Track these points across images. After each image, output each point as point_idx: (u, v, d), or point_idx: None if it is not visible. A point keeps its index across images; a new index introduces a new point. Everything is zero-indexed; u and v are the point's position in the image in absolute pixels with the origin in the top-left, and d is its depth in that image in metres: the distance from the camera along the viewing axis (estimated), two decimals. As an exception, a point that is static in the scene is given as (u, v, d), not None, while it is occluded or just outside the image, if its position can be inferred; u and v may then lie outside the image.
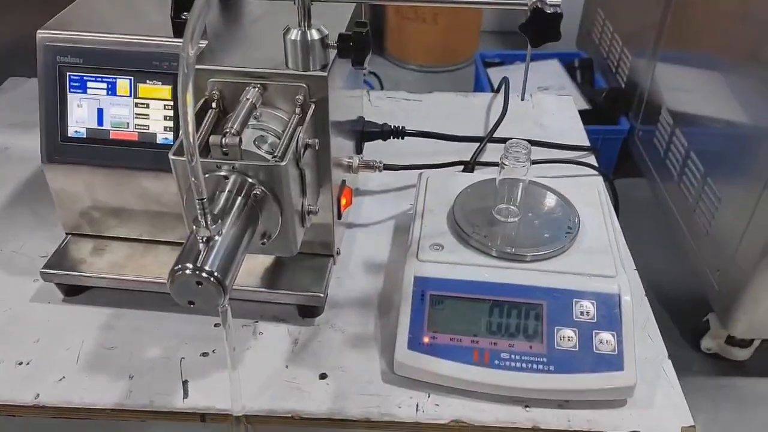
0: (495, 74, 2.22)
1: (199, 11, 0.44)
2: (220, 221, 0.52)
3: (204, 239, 0.51)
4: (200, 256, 0.50)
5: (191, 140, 0.46)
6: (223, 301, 0.51)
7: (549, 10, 0.51)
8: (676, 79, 1.78)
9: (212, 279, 0.49)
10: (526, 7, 0.54)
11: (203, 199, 0.49)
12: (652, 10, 1.88)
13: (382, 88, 2.50)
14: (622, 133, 2.03)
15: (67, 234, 0.75)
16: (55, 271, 0.72)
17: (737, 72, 1.45)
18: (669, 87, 1.81)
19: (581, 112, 1.07)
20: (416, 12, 2.61)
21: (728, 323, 1.45)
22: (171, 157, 0.55)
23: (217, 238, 0.51)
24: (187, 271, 0.49)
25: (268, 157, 0.57)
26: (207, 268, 0.49)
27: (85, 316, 0.71)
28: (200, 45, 0.65)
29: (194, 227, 0.51)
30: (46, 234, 0.79)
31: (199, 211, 0.49)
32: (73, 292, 0.73)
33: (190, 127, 0.45)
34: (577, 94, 2.13)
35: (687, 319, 1.63)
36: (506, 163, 0.68)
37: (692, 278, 1.57)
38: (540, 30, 0.52)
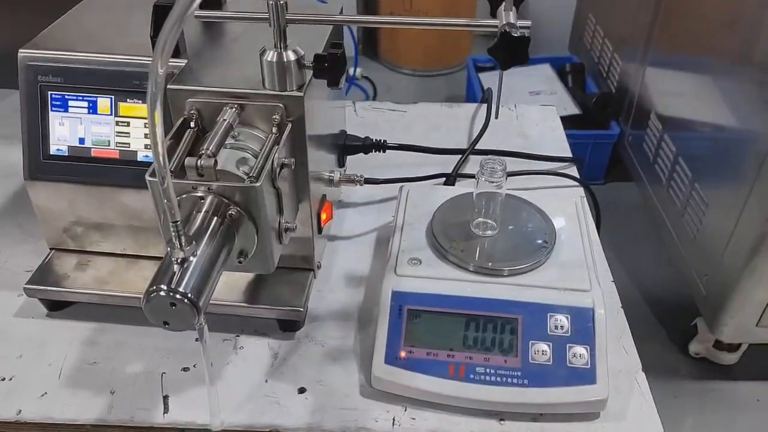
0: (487, 79, 2.24)
1: (170, 28, 0.45)
2: (194, 242, 0.53)
3: (178, 260, 0.52)
4: (174, 278, 0.51)
5: (161, 161, 0.46)
6: (197, 321, 0.52)
7: (516, 34, 0.52)
8: (665, 84, 1.79)
9: (186, 300, 0.50)
10: (496, 29, 0.55)
11: (177, 221, 0.50)
12: (641, 15, 1.89)
13: (375, 93, 2.52)
14: (613, 138, 2.04)
15: (50, 249, 0.76)
16: (39, 287, 0.73)
17: (725, 76, 1.46)
18: (658, 91, 1.83)
19: (572, 117, 1.08)
20: (408, 13, 2.62)
21: (715, 328, 1.46)
22: (148, 178, 0.56)
23: (192, 258, 0.52)
24: (161, 293, 0.50)
25: (244, 176, 0.58)
26: (181, 289, 0.50)
27: (69, 331, 0.72)
28: (179, 64, 0.67)
29: (169, 249, 0.52)
30: (31, 248, 0.80)
31: (173, 233, 0.50)
32: (56, 307, 0.74)
33: (160, 148, 0.46)
34: (568, 99, 2.15)
35: (675, 323, 1.64)
36: (482, 178, 0.69)
37: (680, 282, 1.58)
38: (509, 53, 0.53)
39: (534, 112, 1.09)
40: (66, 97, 0.69)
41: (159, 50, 0.44)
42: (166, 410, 0.64)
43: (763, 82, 1.31)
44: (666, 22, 1.78)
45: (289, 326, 0.72)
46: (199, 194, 0.56)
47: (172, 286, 0.50)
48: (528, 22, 0.56)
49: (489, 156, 0.70)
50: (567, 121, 1.06)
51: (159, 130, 0.46)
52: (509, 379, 0.63)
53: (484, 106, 1.07)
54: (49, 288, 0.73)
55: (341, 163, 0.86)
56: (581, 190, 0.92)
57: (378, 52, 2.86)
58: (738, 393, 1.53)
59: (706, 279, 1.48)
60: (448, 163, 0.94)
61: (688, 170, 1.58)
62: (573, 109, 2.09)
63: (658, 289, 1.74)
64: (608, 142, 2.05)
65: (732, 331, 1.45)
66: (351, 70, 2.50)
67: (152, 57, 0.44)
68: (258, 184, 0.56)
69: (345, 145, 0.85)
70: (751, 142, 1.32)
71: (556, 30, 2.48)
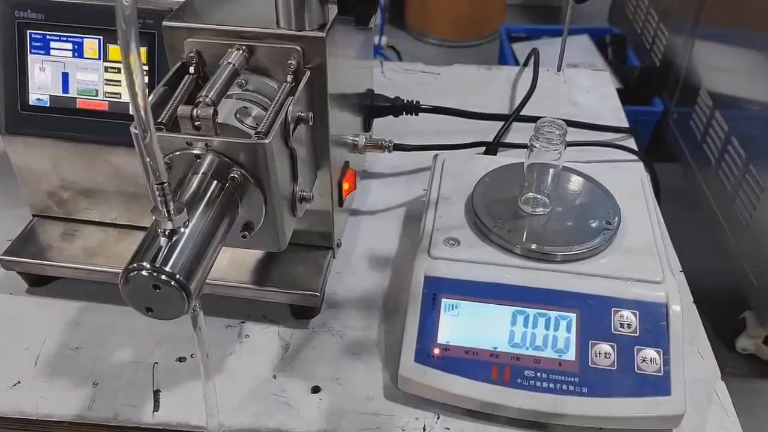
0: (521, 50, 2.10)
1: None
2: (187, 210, 0.42)
3: (166, 232, 0.42)
4: (160, 254, 0.41)
5: (141, 112, 0.36)
6: (187, 308, 0.42)
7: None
8: (717, 59, 1.66)
9: (173, 282, 0.40)
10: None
11: (162, 183, 0.39)
12: (692, -17, 1.75)
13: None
14: (656, 115, 1.91)
15: (33, 216, 0.67)
16: (18, 259, 0.63)
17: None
18: (709, 66, 1.69)
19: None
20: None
21: (767, 322, 1.35)
22: (132, 130, 0.45)
23: (182, 230, 0.42)
24: (143, 272, 0.40)
25: (251, 132, 0.48)
26: (167, 268, 0.40)
27: (50, 310, 0.63)
28: (179, -1, 0.56)
29: (155, 218, 0.41)
30: (14, 213, 0.70)
31: (158, 198, 0.40)
32: (38, 282, 0.65)
33: (138, 89, 0.36)
34: (607, 72, 2.01)
35: (722, 316, 1.52)
36: (536, 145, 0.58)
37: (729, 273, 1.47)
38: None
39: (584, 77, 0.97)
40: (47, 37, 0.58)
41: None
42: (156, 408, 0.55)
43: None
44: (719, -9, 1.64)
45: (302, 313, 0.62)
46: (195, 152, 0.46)
47: (157, 265, 0.40)
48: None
49: (546, 118, 0.58)
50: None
51: (138, 76, 0.35)
52: (564, 386, 0.53)
53: (528, 70, 0.96)
54: (29, 261, 0.63)
55: (367, 127, 0.75)
56: (641, 166, 0.80)
57: (405, 19, 2.73)
58: (789, 394, 1.41)
59: (758, 270, 1.36)
60: (485, 132, 0.82)
61: (741, 151, 1.45)
62: (613, 83, 1.95)
63: (704, 279, 1.60)
64: (651, 120, 1.92)
65: (785, 327, 1.33)
66: (376, 39, 2.38)
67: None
68: (266, 141, 0.45)
69: (372, 106, 0.74)
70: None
71: (595, 0, 2.33)
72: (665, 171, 1.86)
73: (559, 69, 0.52)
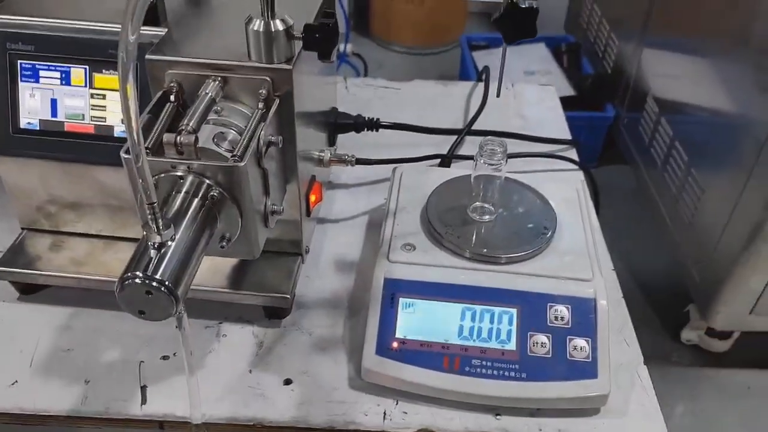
0: (481, 58, 2.19)
1: None
2: (173, 225, 0.49)
3: (155, 245, 0.48)
4: (151, 264, 0.47)
5: (135, 138, 0.42)
6: (175, 311, 0.48)
7: (524, 5, 0.48)
8: (663, 66, 1.76)
9: (163, 288, 0.47)
10: (500, 0, 0.51)
11: (153, 203, 0.46)
12: (640, -5, 1.85)
13: (366, 70, 2.46)
14: (608, 120, 2.01)
15: (23, 229, 0.72)
16: (9, 269, 0.68)
17: (723, 59, 1.43)
18: (655, 74, 1.79)
19: (566, 98, 1.04)
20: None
21: (708, 315, 1.44)
22: (122, 155, 0.52)
23: (170, 243, 0.49)
24: (137, 280, 0.46)
25: (228, 155, 0.54)
26: (158, 276, 0.47)
27: (42, 316, 0.68)
28: (159, 33, 0.62)
29: (145, 232, 0.48)
30: (4, 226, 0.75)
31: (149, 216, 0.47)
32: (29, 290, 0.70)
33: (134, 123, 0.42)
34: (563, 79, 2.11)
35: (668, 309, 1.62)
36: (481, 161, 0.66)
37: (674, 268, 1.56)
38: (515, 25, 0.49)
39: (532, 91, 1.05)
40: (37, 66, 0.64)
41: (129, 13, 0.39)
42: (144, 401, 0.61)
43: (761, 66, 1.28)
44: (665, 2, 1.74)
45: (275, 313, 0.69)
46: (179, 173, 0.52)
47: (149, 273, 0.47)
48: (535, -7, 0.52)
49: (489, 137, 0.66)
50: (561, 102, 1.02)
51: (132, 103, 0.42)
52: (506, 373, 0.60)
53: (481, 84, 1.03)
54: (20, 270, 0.68)
55: (332, 142, 0.82)
56: (581, 174, 0.89)
57: (369, 28, 2.80)
58: (729, 381, 1.52)
59: (699, 266, 1.45)
60: (443, 144, 0.90)
61: (684, 154, 1.55)
62: (568, 90, 2.05)
63: (651, 274, 1.72)
64: (603, 125, 2.02)
65: (725, 319, 1.43)
66: (341, 47, 2.44)
67: (122, 22, 0.39)
68: (242, 164, 0.52)
69: (336, 123, 0.81)
70: (749, 127, 1.29)
71: (552, 8, 2.42)
72: (617, 173, 1.98)
73: (498, 95, 0.59)
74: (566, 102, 1.04)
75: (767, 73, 1.26)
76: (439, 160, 0.86)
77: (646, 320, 1.62)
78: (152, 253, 0.48)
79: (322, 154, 0.75)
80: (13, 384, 0.62)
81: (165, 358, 0.65)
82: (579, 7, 2.36)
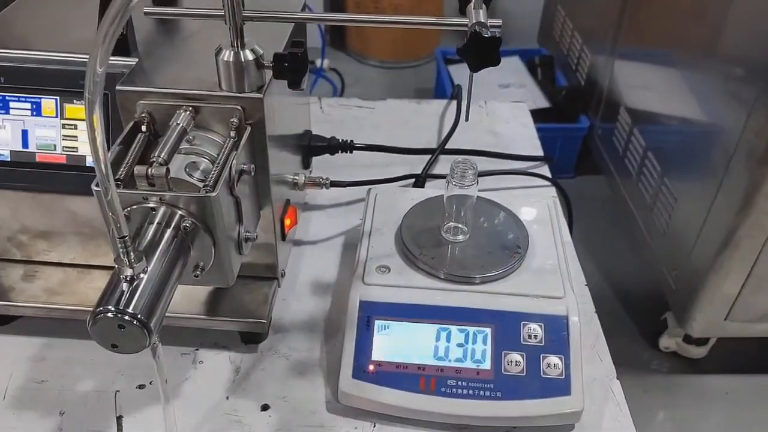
0: (456, 71, 2.21)
1: (112, 19, 0.41)
2: (145, 257, 0.49)
3: (127, 278, 0.48)
4: (123, 297, 0.47)
5: (103, 171, 0.43)
6: (148, 343, 0.48)
7: (487, 35, 0.49)
8: (634, 77, 1.79)
9: (135, 322, 0.47)
10: (465, 28, 0.52)
11: (124, 237, 0.46)
12: (610, 7, 1.88)
13: (343, 85, 2.48)
14: (582, 131, 2.04)
15: (-5, 259, 0.72)
16: (-18, 301, 0.68)
17: (694, 69, 1.45)
18: (627, 85, 1.82)
19: (541, 110, 1.06)
20: (376, 7, 2.58)
21: (685, 322, 1.46)
22: (94, 188, 0.52)
23: (142, 275, 0.49)
24: (109, 314, 0.47)
25: (200, 185, 0.54)
26: (130, 310, 0.47)
27: (15, 348, 0.68)
28: (130, 63, 0.62)
29: (116, 266, 0.48)
30: (-25, 257, 0.75)
31: (120, 249, 0.47)
32: (1, 321, 0.70)
33: (101, 155, 0.42)
34: (537, 92, 2.14)
35: (646, 317, 1.64)
36: (453, 182, 0.67)
37: (650, 277, 1.58)
38: (478, 55, 0.50)
39: (504, 109, 1.07)
40: (7, 98, 0.64)
41: (99, 45, 0.39)
42: (119, 431, 0.61)
43: (729, 75, 1.30)
44: (634, 14, 1.77)
45: (251, 338, 0.69)
46: (151, 205, 0.52)
47: (120, 307, 0.47)
48: (499, 21, 0.53)
49: (459, 158, 0.67)
50: (536, 115, 1.04)
51: (99, 135, 0.42)
52: (481, 392, 0.61)
53: (454, 102, 1.04)
54: (-8, 302, 0.68)
55: (306, 165, 0.83)
56: (553, 190, 0.90)
57: (346, 43, 2.82)
58: (707, 386, 1.54)
59: (675, 273, 1.48)
60: (417, 163, 0.91)
61: (657, 164, 1.57)
62: (542, 103, 2.08)
63: (628, 283, 1.74)
64: (578, 136, 2.05)
65: (701, 326, 1.45)
66: (318, 62, 2.45)
67: (90, 53, 0.39)
68: (214, 194, 0.52)
69: (310, 146, 0.81)
70: (719, 137, 1.32)
71: (525, 22, 2.46)
72: (593, 183, 2.01)
73: (466, 119, 0.61)
74: (541, 114, 1.06)
75: (735, 82, 1.29)
76: (413, 180, 0.87)
77: (624, 329, 1.64)
78: (124, 286, 0.48)
79: (297, 178, 0.76)
80: (-14, 418, 0.61)
81: (141, 387, 0.65)
82: (552, 20, 2.39)
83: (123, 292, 0.47)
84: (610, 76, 1.91)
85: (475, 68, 0.50)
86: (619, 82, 1.86)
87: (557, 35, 2.34)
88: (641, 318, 1.66)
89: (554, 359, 0.62)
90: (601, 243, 1.79)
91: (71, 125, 0.64)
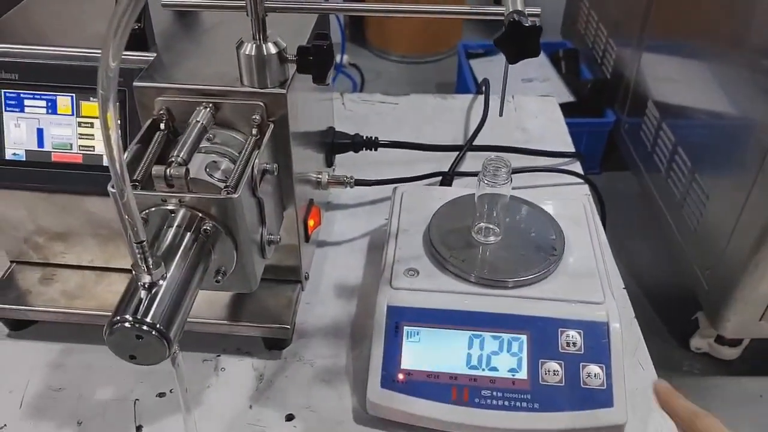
0: (478, 66, 2.17)
1: (124, 10, 0.38)
2: (164, 263, 0.46)
3: (145, 285, 0.45)
4: (141, 306, 0.45)
5: (118, 171, 0.40)
6: (168, 354, 0.45)
7: (527, 23, 0.46)
8: (663, 70, 1.74)
9: (154, 332, 0.44)
10: (501, 17, 0.48)
11: (141, 242, 0.43)
12: (637, -1, 1.83)
13: (363, 81, 2.44)
14: (608, 126, 1.99)
15: (11, 262, 0.69)
16: (-1, 305, 0.66)
17: (724, 62, 1.41)
18: (655, 78, 1.77)
19: (566, 105, 1.02)
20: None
21: (717, 323, 1.42)
22: (110, 189, 0.49)
23: (161, 282, 0.46)
24: (126, 324, 0.44)
25: (221, 185, 0.52)
26: (148, 319, 0.44)
27: (32, 354, 0.66)
28: (148, 58, 0.60)
29: (134, 272, 0.45)
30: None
31: (138, 255, 0.44)
32: (18, 326, 0.68)
33: (116, 155, 0.39)
34: (561, 86, 2.09)
35: (676, 317, 1.59)
36: (485, 181, 0.63)
37: (681, 276, 1.54)
38: (517, 46, 0.46)
39: (533, 103, 1.03)
40: (21, 95, 0.61)
41: (110, 37, 0.37)
42: (139, 443, 0.58)
43: (760, 68, 1.25)
44: (662, 5, 1.72)
45: (275, 344, 0.66)
46: (170, 207, 0.50)
47: (138, 316, 0.44)
48: (537, 10, 0.49)
49: (492, 155, 0.63)
50: (560, 109, 1.00)
51: (114, 133, 0.39)
52: (517, 403, 0.58)
53: (480, 97, 1.01)
54: (9, 307, 0.66)
55: (329, 163, 0.80)
56: (586, 188, 0.86)
57: (365, 37, 2.79)
58: (740, 389, 1.49)
59: (708, 273, 1.43)
60: (444, 160, 0.87)
61: (687, 160, 1.53)
62: (567, 97, 2.03)
63: (657, 282, 1.69)
64: (603, 130, 2.00)
65: (734, 327, 1.40)
66: (338, 57, 2.42)
67: (102, 47, 0.37)
68: (236, 196, 0.49)
69: (333, 144, 0.78)
70: (753, 131, 1.27)
71: (548, 14, 2.40)
72: (619, 179, 1.96)
73: (500, 114, 0.57)
74: (565, 108, 1.02)
75: (767, 74, 1.24)
76: (440, 178, 0.83)
77: (653, 329, 1.59)
78: (142, 294, 0.45)
79: (320, 177, 0.73)
80: (1, 428, 0.59)
81: (161, 395, 0.62)
82: (576, 12, 2.34)
83: (141, 300, 0.45)
84: (637, 68, 1.86)
85: (513, 59, 0.46)
86: (647, 74, 1.81)
87: (581, 27, 2.29)
88: (671, 318, 1.62)
89: (595, 368, 0.59)
90: (628, 241, 1.74)
91: (87, 123, 0.61)
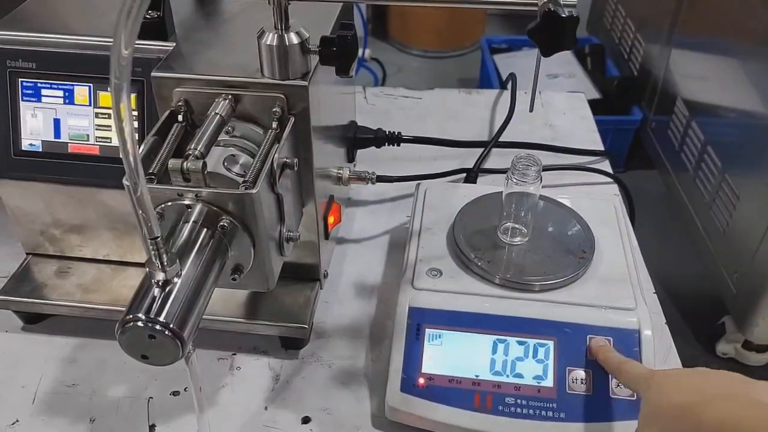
0: (502, 61, 2.14)
1: None
2: (179, 260, 0.44)
3: (159, 283, 0.44)
4: (154, 304, 0.43)
5: (132, 165, 0.38)
6: (181, 355, 0.44)
7: (564, 14, 0.43)
8: (692, 67, 1.69)
9: (167, 331, 0.42)
10: (535, 8, 0.46)
11: (155, 238, 0.41)
12: (667, -6, 1.79)
13: (384, 76, 2.42)
14: (635, 124, 1.95)
15: (27, 254, 0.68)
16: (13, 298, 0.65)
17: (758, 59, 1.36)
18: (684, 75, 1.73)
19: (591, 102, 0.99)
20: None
21: (745, 328, 1.39)
22: (125, 182, 0.47)
23: (175, 280, 0.44)
24: (139, 323, 0.42)
25: (239, 180, 0.50)
26: (161, 318, 0.42)
27: (46, 348, 0.65)
28: (167, 47, 0.58)
29: (148, 269, 0.43)
30: (8, 250, 0.72)
31: (152, 252, 0.42)
32: (33, 319, 0.67)
33: (130, 148, 0.38)
34: (587, 82, 2.05)
35: (701, 321, 1.55)
36: (513, 179, 0.61)
37: (707, 278, 1.50)
38: (553, 37, 0.44)
39: (560, 99, 1.00)
40: (39, 85, 0.60)
41: (121, 23, 0.35)
42: (152, 442, 0.57)
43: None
44: (693, 1, 1.67)
45: (292, 344, 0.64)
46: (186, 202, 0.48)
47: (151, 315, 0.42)
48: (574, 0, 0.47)
49: (522, 153, 0.61)
50: (587, 106, 0.97)
51: (127, 125, 0.37)
52: (543, 412, 0.55)
53: (505, 93, 0.98)
54: (24, 300, 0.65)
55: (351, 158, 0.77)
56: (615, 188, 0.83)
57: (388, 32, 2.76)
58: (768, 396, 1.44)
59: (736, 276, 1.39)
60: (468, 156, 0.85)
61: (717, 159, 1.48)
62: (592, 93, 1.99)
63: (683, 284, 1.65)
64: (630, 128, 1.96)
65: (763, 332, 1.37)
66: (359, 52, 2.40)
67: (113, 33, 0.35)
68: (254, 191, 0.47)
69: (355, 138, 0.76)
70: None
71: (574, 9, 2.36)
72: (645, 178, 1.92)
73: (530, 110, 0.55)
74: (591, 105, 0.99)
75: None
76: (464, 175, 0.81)
77: (677, 332, 1.55)
78: (156, 291, 0.44)
79: (341, 172, 0.71)
80: (13, 424, 0.58)
81: (175, 393, 0.61)
82: (602, 7, 2.29)
83: (154, 298, 0.43)
84: (665, 65, 1.81)
85: (548, 51, 0.44)
86: (676, 72, 1.77)
87: (608, 23, 2.24)
88: (696, 321, 1.58)
89: (625, 377, 0.56)
90: (653, 241, 1.70)
91: (105, 114, 0.60)
